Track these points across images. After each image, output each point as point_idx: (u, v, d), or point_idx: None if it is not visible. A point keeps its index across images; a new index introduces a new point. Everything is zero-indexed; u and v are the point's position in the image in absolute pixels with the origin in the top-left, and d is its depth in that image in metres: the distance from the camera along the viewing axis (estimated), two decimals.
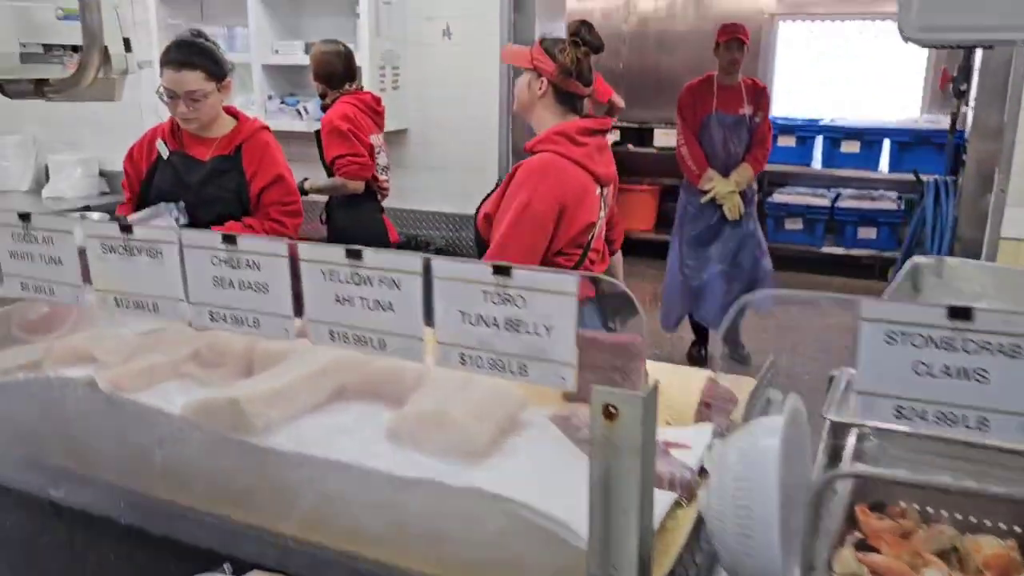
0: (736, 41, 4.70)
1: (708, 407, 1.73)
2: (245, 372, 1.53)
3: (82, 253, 1.36)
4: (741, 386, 1.90)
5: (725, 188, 4.77)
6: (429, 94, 4.68)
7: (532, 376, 1.06)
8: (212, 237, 1.22)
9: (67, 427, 1.48)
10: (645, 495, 1.05)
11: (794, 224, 7.39)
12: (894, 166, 7.14)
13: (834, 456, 1.54)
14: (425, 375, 1.41)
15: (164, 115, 3.10)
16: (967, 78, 4.09)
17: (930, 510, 1.39)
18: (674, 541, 1.27)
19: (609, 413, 1.01)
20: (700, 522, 1.35)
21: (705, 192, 4.81)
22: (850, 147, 7.27)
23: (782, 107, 7.66)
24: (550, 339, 1.04)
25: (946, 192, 3.93)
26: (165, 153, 3.03)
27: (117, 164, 3.47)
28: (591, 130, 2.52)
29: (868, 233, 7.20)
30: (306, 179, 4.00)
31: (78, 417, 1.46)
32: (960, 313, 0.92)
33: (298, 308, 1.19)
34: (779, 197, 7.40)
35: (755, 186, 5.06)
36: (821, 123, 7.46)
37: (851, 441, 1.53)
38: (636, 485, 1.03)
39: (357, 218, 4.15)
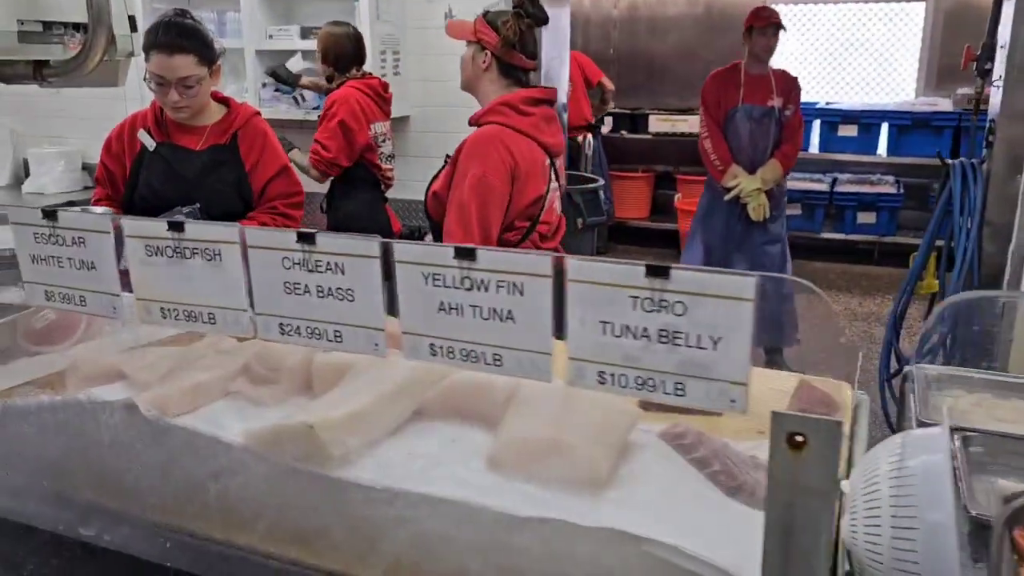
0: (773, 26, 4.40)
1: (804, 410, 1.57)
2: (303, 389, 1.34)
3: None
4: (828, 389, 1.74)
5: (751, 186, 4.45)
6: (431, 80, 4.49)
7: (692, 396, 0.89)
8: (284, 236, 1.03)
9: (101, 457, 1.28)
10: (829, 539, 0.88)
11: (792, 210, 7.25)
12: (892, 150, 7.05)
13: None
14: (515, 390, 1.23)
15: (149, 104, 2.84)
16: (991, 56, 3.95)
17: None
18: None
19: (796, 443, 0.84)
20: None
21: (728, 189, 4.50)
22: (847, 131, 7.17)
23: None
24: (716, 353, 0.87)
25: (973, 175, 3.79)
26: (151, 144, 2.76)
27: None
28: (536, 99, 2.49)
29: (867, 218, 7.11)
30: (293, 148, 3.82)
31: (114, 445, 1.26)
32: None
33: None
34: None
35: (784, 185, 4.75)
36: (818, 106, 7.34)
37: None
38: (824, 530, 0.86)
39: (359, 208, 3.97)
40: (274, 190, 2.83)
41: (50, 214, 1.18)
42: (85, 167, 5.37)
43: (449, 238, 2.38)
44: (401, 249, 0.97)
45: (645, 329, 0.88)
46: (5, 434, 1.35)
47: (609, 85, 6.96)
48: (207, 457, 1.20)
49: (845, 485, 1.19)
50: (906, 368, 2.02)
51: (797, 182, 7.27)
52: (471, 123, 2.54)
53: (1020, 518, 1.26)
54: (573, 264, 0.89)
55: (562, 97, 4.59)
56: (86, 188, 5.25)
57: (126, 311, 1.19)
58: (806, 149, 7.30)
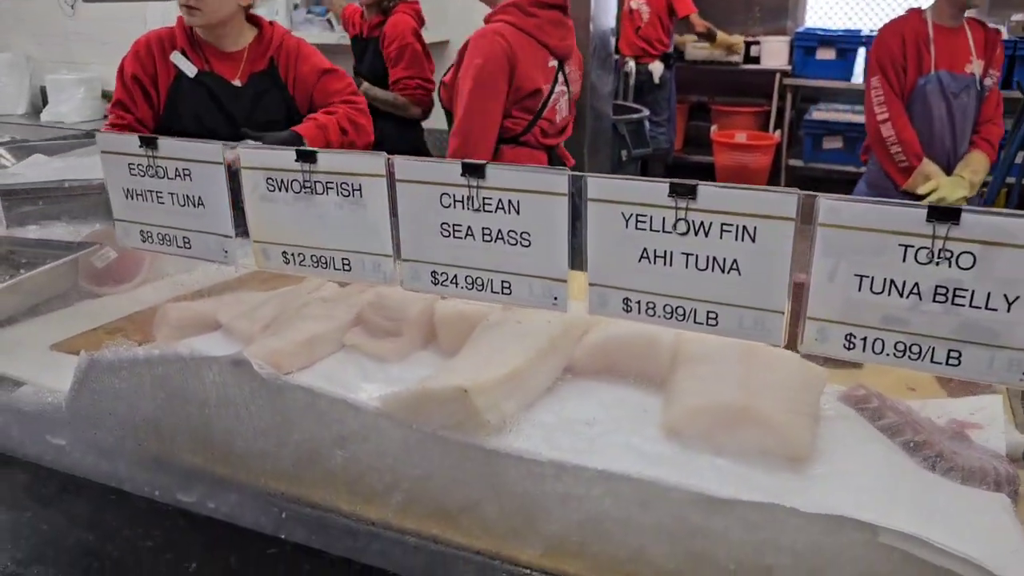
0: None
1: None
2: (427, 342, 1.19)
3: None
4: None
5: (955, 193, 3.08)
6: (469, 6, 4.24)
7: (970, 369, 0.73)
8: (444, 168, 0.86)
9: (205, 417, 1.13)
10: None
11: (833, 143, 7.02)
12: None
13: None
14: (680, 346, 1.07)
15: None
16: None
17: None
18: None
19: None
20: None
21: (920, 196, 3.12)
22: None
23: (818, 17, 7.23)
24: (1011, 316, 0.71)
25: None
26: (191, 71, 2.54)
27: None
28: (544, 3, 2.63)
29: None
30: (363, 82, 3.72)
31: (221, 405, 1.12)
32: None
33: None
34: (818, 114, 7.01)
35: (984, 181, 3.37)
36: (862, 34, 7.02)
37: None
38: None
39: (401, 135, 3.83)
40: (329, 87, 2.61)
41: (149, 142, 1.01)
42: (106, 95, 5.15)
43: (456, 125, 2.60)
44: (597, 184, 0.80)
45: (917, 285, 0.72)
46: (93, 389, 1.21)
47: (698, 22, 6.71)
48: (333, 421, 1.06)
49: None
50: None
51: (839, 114, 7.01)
52: (484, 23, 2.68)
53: None
54: (825, 204, 0.73)
55: (607, 21, 4.33)
56: (105, 117, 5.05)
57: (238, 255, 1.03)
58: (848, 80, 7.03)
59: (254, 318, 1.24)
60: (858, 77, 7.07)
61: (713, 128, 7.37)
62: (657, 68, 6.51)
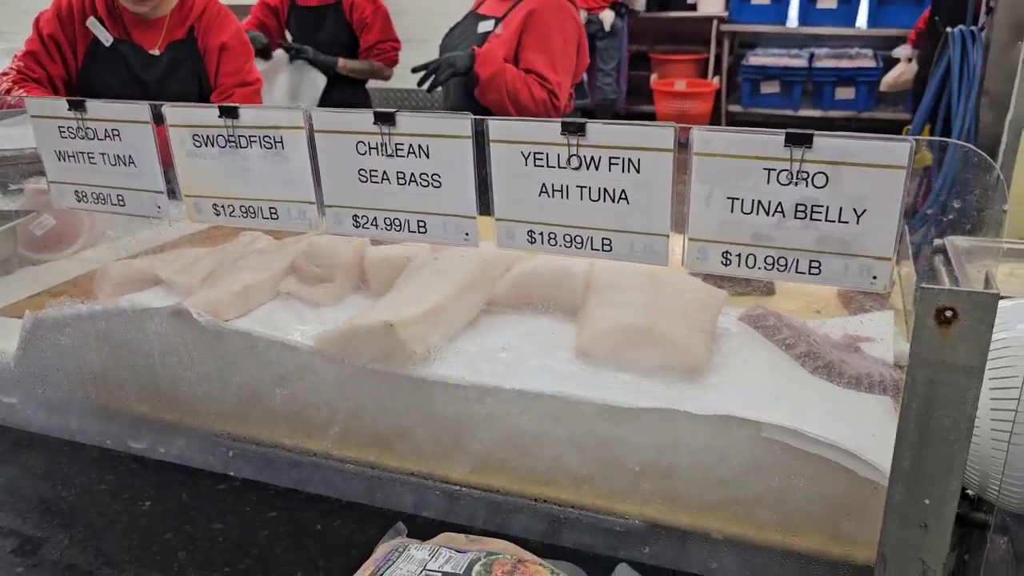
0: None
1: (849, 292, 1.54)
2: (358, 286, 1.26)
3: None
4: None
5: None
6: None
7: (827, 275, 0.83)
8: (359, 118, 0.93)
9: (150, 367, 1.20)
10: (972, 418, 0.84)
11: (771, 87, 7.16)
12: (872, 22, 6.92)
13: None
14: (592, 277, 1.16)
15: None
16: None
17: None
18: None
19: (944, 319, 0.79)
20: None
21: None
22: (827, 2, 6.99)
23: None
24: (859, 228, 0.80)
25: (972, 43, 3.71)
26: (106, 39, 2.53)
27: None
28: None
29: (846, 94, 7.03)
30: (340, 59, 3.81)
31: (165, 354, 1.18)
32: None
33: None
34: (754, 60, 7.12)
35: None
36: None
37: None
38: (968, 409, 0.82)
39: (351, 97, 3.88)
40: (218, 68, 2.61)
41: (77, 104, 1.06)
42: None
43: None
44: (497, 126, 0.87)
45: (780, 204, 0.81)
46: (40, 347, 1.26)
47: None
48: (271, 362, 1.13)
49: None
50: (936, 241, 1.99)
51: (776, 58, 7.13)
52: None
53: None
54: (699, 134, 0.81)
55: None
56: None
57: (171, 211, 1.09)
58: (784, 23, 7.15)
59: (192, 272, 1.30)
60: (793, 21, 7.19)
61: (653, 77, 7.44)
62: (608, 17, 6.55)
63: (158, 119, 1.03)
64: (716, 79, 7.35)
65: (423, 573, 0.86)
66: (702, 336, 1.05)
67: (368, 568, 0.88)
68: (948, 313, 0.78)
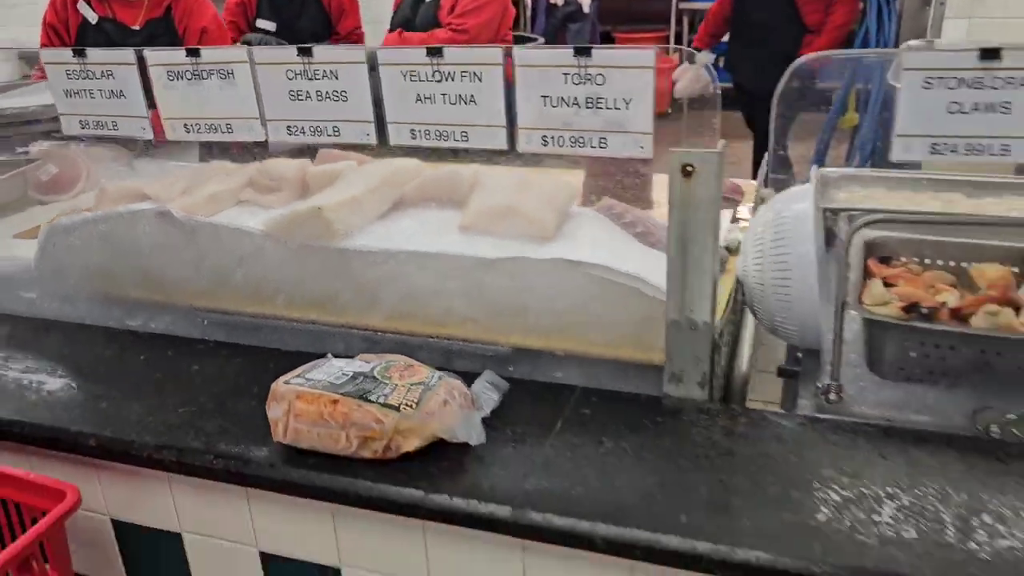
0: None
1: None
2: (302, 194, 1.62)
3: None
4: (741, 186, 2.08)
5: None
6: None
7: (612, 148, 1.19)
8: (285, 52, 1.29)
9: (139, 259, 1.55)
10: (715, 244, 1.20)
11: None
12: None
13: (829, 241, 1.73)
14: (479, 179, 1.52)
15: None
16: None
17: (927, 261, 1.59)
18: (720, 303, 1.45)
19: (687, 172, 1.15)
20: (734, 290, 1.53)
21: None
22: None
23: None
24: (629, 112, 1.16)
25: (888, 11, 4.08)
26: (92, 17, 2.91)
27: (36, 43, 3.31)
28: None
29: None
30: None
31: (152, 248, 1.54)
32: (990, 54, 1.08)
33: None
34: None
35: None
36: None
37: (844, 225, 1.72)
38: (710, 235, 1.19)
39: None
40: None
41: (79, 52, 1.41)
42: (22, 56, 5.34)
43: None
44: (384, 55, 1.23)
45: (575, 98, 1.17)
46: (53, 250, 1.61)
47: None
48: (232, 247, 1.49)
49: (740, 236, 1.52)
50: (811, 171, 2.35)
51: None
52: None
53: (874, 253, 1.61)
54: (519, 53, 1.17)
55: None
56: (25, 77, 5.24)
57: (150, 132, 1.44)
58: None
59: (172, 187, 1.65)
60: None
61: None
62: None
63: (141, 61, 1.38)
64: (676, 56, 7.69)
65: (339, 372, 1.22)
66: (552, 214, 1.42)
67: (296, 371, 1.24)
68: (689, 168, 1.15)
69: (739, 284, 1.51)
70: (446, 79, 1.22)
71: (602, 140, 1.19)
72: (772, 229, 1.41)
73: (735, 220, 1.82)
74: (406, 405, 1.13)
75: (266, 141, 1.36)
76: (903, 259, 1.59)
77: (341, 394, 1.15)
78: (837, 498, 1.05)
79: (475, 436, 1.15)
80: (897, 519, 1.00)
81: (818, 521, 1.01)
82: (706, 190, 1.15)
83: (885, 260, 1.59)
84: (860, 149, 4.36)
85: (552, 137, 1.20)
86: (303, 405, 1.14)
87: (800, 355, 1.46)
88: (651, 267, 1.32)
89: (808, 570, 0.95)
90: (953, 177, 1.56)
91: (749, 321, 1.65)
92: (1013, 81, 1.06)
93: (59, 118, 1.49)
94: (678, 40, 7.72)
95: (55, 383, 1.42)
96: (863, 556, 0.95)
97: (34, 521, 1.20)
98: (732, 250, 1.67)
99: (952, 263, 1.56)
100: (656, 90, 1.17)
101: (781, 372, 1.51)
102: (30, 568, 1.20)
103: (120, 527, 1.39)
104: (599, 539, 1.03)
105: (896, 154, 1.16)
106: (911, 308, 1.30)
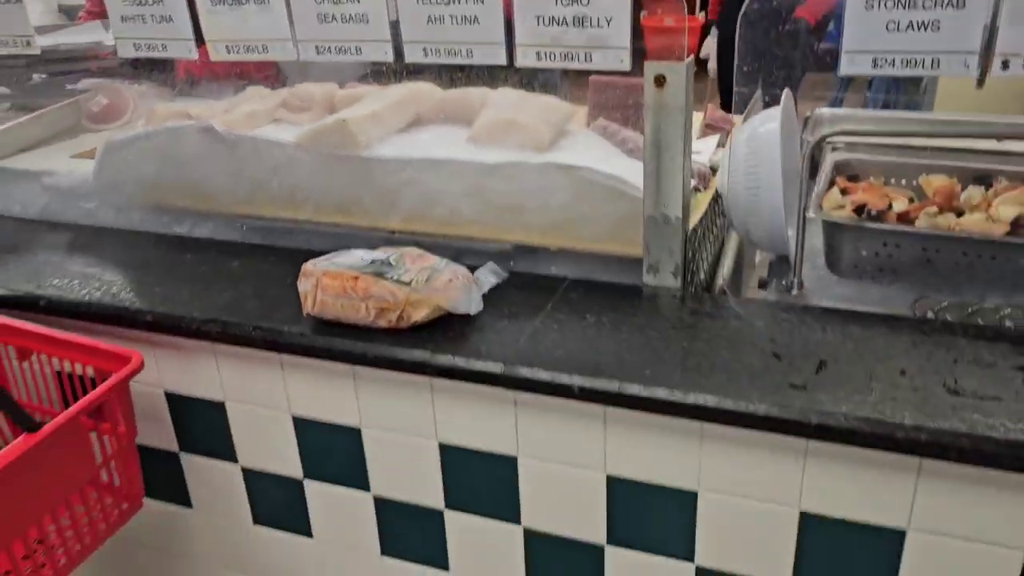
0: None
1: (710, 128, 2.07)
2: (328, 114, 1.80)
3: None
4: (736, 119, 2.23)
5: None
6: None
7: (596, 62, 1.37)
8: None
9: (185, 171, 1.76)
10: (687, 148, 1.38)
11: None
12: None
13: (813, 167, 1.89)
14: (488, 99, 1.70)
15: None
16: None
17: (892, 181, 1.76)
18: (697, 210, 1.62)
19: (659, 81, 1.33)
20: (714, 202, 1.70)
21: None
22: None
23: None
24: (610, 30, 1.34)
25: None
26: None
27: None
28: None
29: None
30: None
31: (196, 160, 1.74)
32: None
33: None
34: None
35: None
36: None
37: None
38: (681, 138, 1.36)
39: None
40: None
41: None
42: (62, 8, 5.56)
43: None
44: None
45: (564, 18, 1.35)
46: (111, 163, 1.82)
47: None
48: (268, 158, 1.68)
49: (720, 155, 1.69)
50: (809, 112, 2.51)
51: None
52: None
53: (842, 172, 1.78)
54: None
55: None
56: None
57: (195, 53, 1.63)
58: None
59: (213, 108, 1.85)
60: None
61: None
62: None
63: None
64: (702, 15, 7.75)
65: (360, 259, 1.42)
66: (548, 128, 1.60)
67: (323, 257, 1.44)
68: (661, 78, 1.32)
69: (718, 199, 1.69)
70: (453, 2, 1.39)
71: (588, 55, 1.36)
72: (745, 145, 1.58)
73: (721, 145, 1.99)
74: (416, 282, 1.33)
75: (296, 60, 1.54)
76: (872, 180, 1.76)
77: (362, 272, 1.35)
78: (776, 361, 1.23)
79: (474, 307, 1.34)
80: (825, 377, 1.19)
81: (757, 374, 1.20)
82: (676, 99, 1.33)
83: (853, 178, 1.76)
84: (872, 102, 4.48)
85: (545, 53, 1.38)
86: (328, 280, 1.34)
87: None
88: (635, 173, 1.49)
89: (745, 409, 1.14)
90: (947, 117, 1.72)
91: (733, 239, 1.83)
92: (941, 3, 1.22)
93: (116, 42, 1.68)
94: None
95: (113, 276, 1.63)
96: (792, 399, 1.14)
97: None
98: (716, 170, 1.84)
99: (915, 183, 1.73)
100: (688, 47, 1.33)
101: (761, 284, 1.69)
102: (102, 416, 1.42)
103: (172, 399, 1.61)
104: (576, 388, 1.23)
105: (844, 68, 1.32)
106: (860, 210, 1.47)
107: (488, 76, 1.74)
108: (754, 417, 1.14)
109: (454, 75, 1.78)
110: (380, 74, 1.86)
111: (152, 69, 2.45)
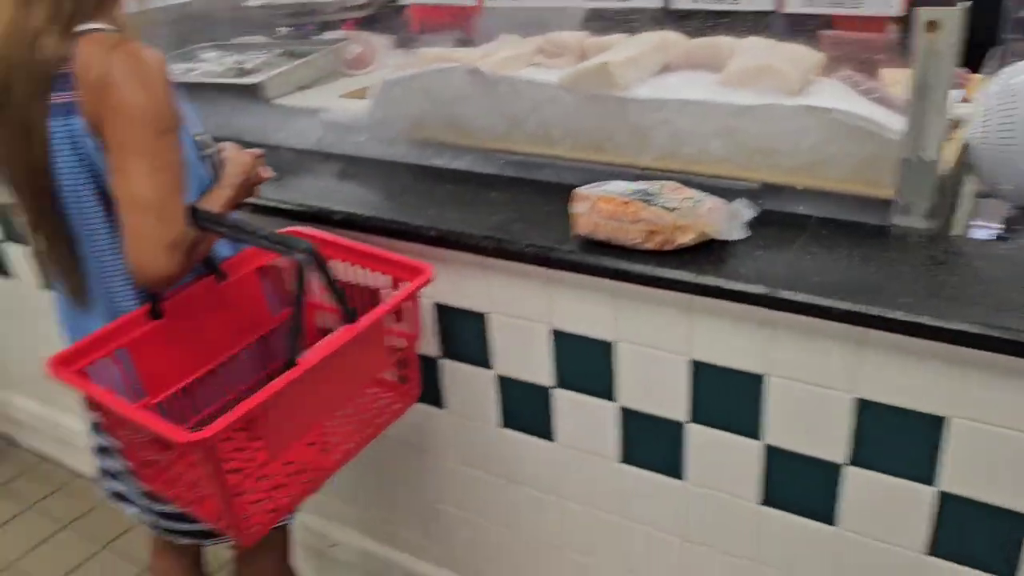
0: None
1: None
2: (580, 60, 1.95)
3: None
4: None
5: None
6: None
7: (865, 7, 1.44)
8: None
9: (449, 108, 1.95)
10: (949, 93, 1.43)
11: None
12: None
13: None
14: (736, 47, 1.80)
15: None
16: None
17: None
18: (948, 157, 1.66)
19: (932, 27, 1.39)
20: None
21: None
22: None
23: None
24: None
25: None
26: None
27: None
28: None
29: None
30: None
31: (460, 99, 1.93)
32: None
33: None
34: None
35: None
36: None
37: None
38: (946, 83, 1.42)
39: None
40: None
41: None
42: None
43: None
44: None
45: None
46: (383, 100, 2.04)
47: None
48: (528, 97, 1.85)
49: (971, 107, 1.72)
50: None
51: None
52: None
53: None
54: None
55: None
56: None
57: None
58: None
59: (471, 53, 2.03)
60: None
61: None
62: None
63: None
64: None
65: (625, 188, 1.56)
66: (799, 74, 1.68)
67: (590, 185, 1.59)
68: (933, 23, 1.38)
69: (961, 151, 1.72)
70: None
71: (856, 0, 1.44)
72: (996, 97, 1.60)
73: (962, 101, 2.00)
74: (682, 208, 1.46)
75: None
76: None
77: (631, 199, 1.49)
78: None
79: (737, 233, 1.46)
80: None
81: (1018, 308, 1.26)
82: (946, 44, 1.38)
83: None
84: None
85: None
86: (602, 204, 1.50)
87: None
88: (883, 118, 1.56)
89: (1004, 336, 1.21)
90: None
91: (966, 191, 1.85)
92: None
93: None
94: None
95: (384, 200, 1.86)
96: None
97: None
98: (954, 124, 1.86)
99: None
100: None
101: (1000, 237, 1.72)
102: (400, 318, 1.63)
103: (441, 309, 1.82)
104: (835, 311, 1.33)
105: None
106: None
107: (730, 28, 1.84)
108: (1017, 344, 1.21)
109: (701, 25, 1.88)
110: (625, 22, 1.98)
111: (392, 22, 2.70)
